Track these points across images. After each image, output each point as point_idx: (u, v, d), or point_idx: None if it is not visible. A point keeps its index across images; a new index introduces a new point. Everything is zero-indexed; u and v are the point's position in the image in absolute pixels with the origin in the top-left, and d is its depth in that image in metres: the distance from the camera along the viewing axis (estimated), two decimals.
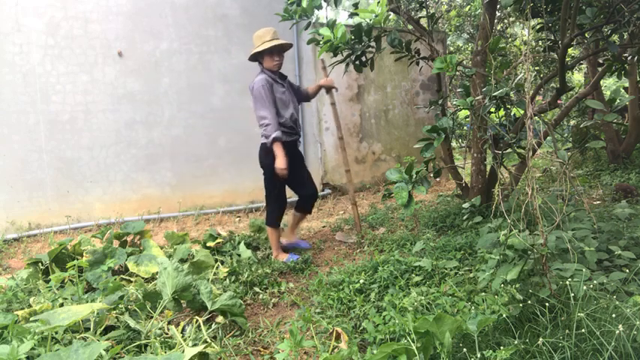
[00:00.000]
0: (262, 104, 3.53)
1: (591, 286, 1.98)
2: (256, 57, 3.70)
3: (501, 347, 1.70)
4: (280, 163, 3.52)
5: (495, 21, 6.09)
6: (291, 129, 3.73)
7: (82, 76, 5.31)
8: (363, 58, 3.64)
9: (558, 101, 3.84)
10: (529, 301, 1.98)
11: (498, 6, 3.90)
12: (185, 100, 5.80)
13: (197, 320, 2.44)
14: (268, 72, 3.65)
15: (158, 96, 5.69)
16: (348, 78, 7.10)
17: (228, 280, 3.34)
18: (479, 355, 1.61)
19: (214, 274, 3.40)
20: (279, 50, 3.64)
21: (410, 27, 4.01)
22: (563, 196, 2.63)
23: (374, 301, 2.75)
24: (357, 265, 3.39)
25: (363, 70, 3.75)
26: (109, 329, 2.42)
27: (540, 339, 1.65)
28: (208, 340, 2.29)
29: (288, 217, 4.52)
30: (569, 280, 1.96)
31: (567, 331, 1.70)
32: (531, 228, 2.57)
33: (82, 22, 5.28)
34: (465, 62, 7.07)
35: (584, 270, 2.08)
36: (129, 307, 2.59)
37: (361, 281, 2.99)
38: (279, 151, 3.51)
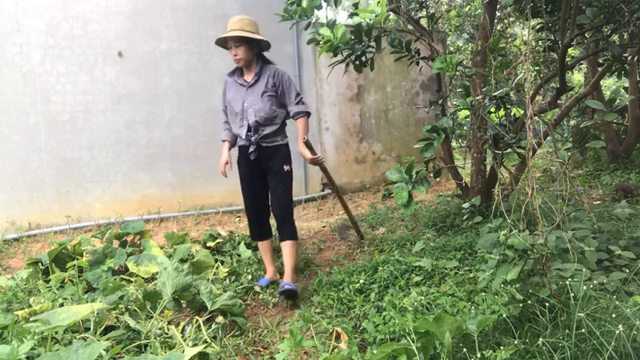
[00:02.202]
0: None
1: (591, 286, 1.98)
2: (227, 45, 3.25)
3: (501, 347, 1.70)
4: (221, 158, 3.31)
5: (495, 21, 6.10)
6: (240, 135, 3.25)
7: (82, 76, 5.31)
8: (363, 58, 3.64)
9: (558, 101, 3.84)
10: (529, 301, 1.98)
11: (498, 6, 3.90)
12: (185, 100, 5.80)
13: (197, 320, 2.44)
14: (238, 69, 3.28)
15: (158, 96, 5.69)
16: (348, 78, 7.10)
17: (228, 280, 3.34)
18: (479, 355, 1.61)
19: (214, 274, 3.40)
20: (234, 42, 3.10)
21: (410, 27, 4.01)
22: (563, 196, 2.63)
23: (374, 301, 2.75)
24: (357, 265, 3.39)
25: (363, 70, 3.73)
26: (109, 329, 2.42)
27: (540, 339, 1.65)
28: (208, 340, 2.29)
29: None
30: (569, 280, 1.96)
31: (567, 331, 1.70)
32: (531, 228, 2.57)
33: (82, 22, 5.28)
34: (465, 62, 7.07)
35: (584, 270, 2.08)
36: (129, 307, 2.59)
37: (361, 281, 2.99)
38: (222, 149, 3.34)
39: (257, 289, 3.25)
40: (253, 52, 3.18)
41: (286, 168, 3.24)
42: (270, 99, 3.16)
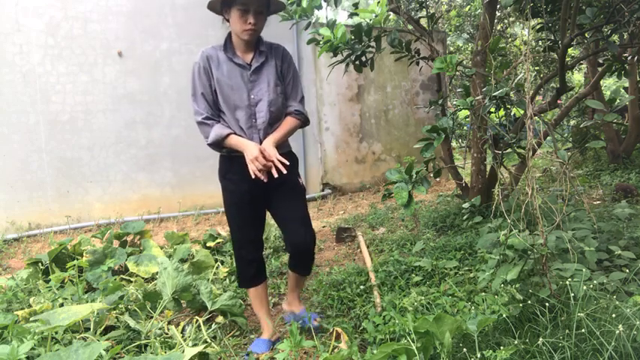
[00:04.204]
0: (192, 94, 2.34)
1: (591, 286, 1.97)
2: (221, 9, 2.29)
3: (501, 347, 1.70)
4: (250, 152, 2.19)
5: (495, 21, 6.10)
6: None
7: (82, 76, 5.31)
8: (363, 58, 3.64)
9: (558, 101, 3.83)
10: (529, 301, 1.97)
11: (498, 6, 3.90)
12: (185, 100, 5.78)
13: (197, 320, 2.44)
14: (228, 42, 2.33)
15: (158, 96, 5.69)
16: (348, 78, 7.10)
17: (228, 280, 3.34)
18: (479, 355, 1.61)
19: (214, 274, 3.40)
20: (256, 6, 2.21)
21: (410, 27, 4.01)
22: (563, 196, 2.63)
23: (374, 301, 2.75)
24: (357, 265, 3.39)
25: (363, 70, 3.73)
26: (109, 329, 2.42)
27: (540, 339, 1.65)
28: (208, 340, 2.29)
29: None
30: (569, 280, 1.96)
31: (567, 331, 1.70)
32: (531, 228, 2.57)
33: (82, 22, 5.28)
34: (465, 62, 7.08)
35: (584, 270, 2.08)
36: (129, 307, 2.59)
37: (361, 287, 2.99)
38: (239, 143, 2.25)
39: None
40: None
41: (301, 181, 2.47)
42: (282, 90, 2.36)
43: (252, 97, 2.29)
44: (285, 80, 2.38)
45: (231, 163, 2.37)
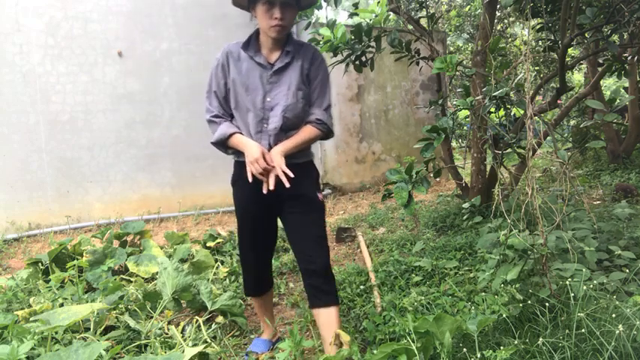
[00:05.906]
0: (207, 90, 2.26)
1: (591, 286, 1.97)
2: (248, 4, 2.10)
3: (501, 347, 1.70)
4: (250, 153, 2.02)
5: (495, 21, 6.10)
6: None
7: (82, 76, 5.31)
8: (363, 58, 3.64)
9: (558, 101, 3.83)
10: (529, 301, 1.98)
11: (498, 6, 3.90)
12: (185, 100, 5.79)
13: (197, 320, 2.44)
14: (253, 39, 2.13)
15: (158, 96, 5.69)
16: (348, 78, 7.10)
17: (228, 280, 3.34)
18: (479, 355, 1.61)
19: (214, 274, 3.40)
20: (283, 2, 1.99)
21: (410, 27, 4.01)
22: (563, 196, 2.63)
23: (374, 301, 2.75)
24: (357, 265, 3.39)
25: (363, 70, 3.73)
26: (109, 329, 2.42)
27: (540, 339, 1.65)
28: (208, 340, 2.29)
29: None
30: (569, 280, 1.96)
31: (567, 331, 1.70)
32: (531, 228, 2.57)
33: (82, 22, 5.28)
34: (465, 62, 7.07)
35: (584, 270, 2.08)
36: (129, 307, 2.59)
37: (362, 287, 2.99)
38: (241, 143, 2.07)
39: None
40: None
41: (320, 197, 2.19)
42: (304, 95, 2.12)
43: (267, 100, 2.08)
44: (312, 85, 2.14)
45: (241, 169, 2.13)
